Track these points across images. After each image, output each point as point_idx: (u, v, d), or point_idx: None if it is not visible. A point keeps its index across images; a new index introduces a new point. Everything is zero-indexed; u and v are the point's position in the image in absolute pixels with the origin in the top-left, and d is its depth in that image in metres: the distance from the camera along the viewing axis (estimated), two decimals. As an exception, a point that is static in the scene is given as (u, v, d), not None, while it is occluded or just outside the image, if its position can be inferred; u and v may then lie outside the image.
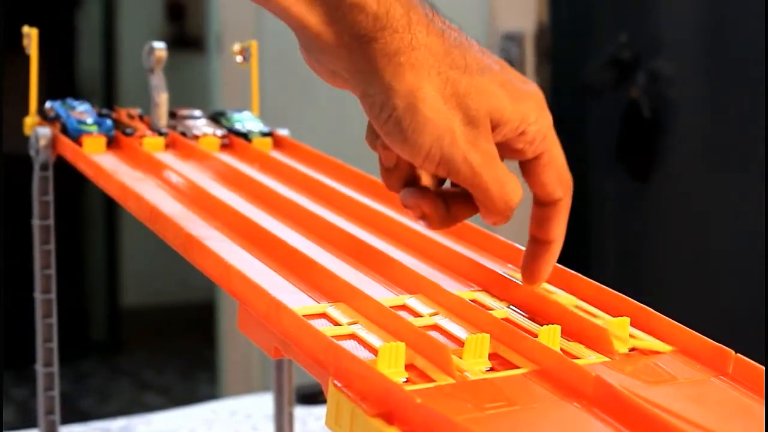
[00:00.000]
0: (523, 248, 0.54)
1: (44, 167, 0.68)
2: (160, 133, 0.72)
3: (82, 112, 0.71)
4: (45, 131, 0.68)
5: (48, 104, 0.72)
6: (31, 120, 0.71)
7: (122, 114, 0.75)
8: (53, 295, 0.69)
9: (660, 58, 1.76)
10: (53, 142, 0.68)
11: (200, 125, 0.75)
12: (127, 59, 3.58)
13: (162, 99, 0.74)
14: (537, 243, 0.50)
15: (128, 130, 0.71)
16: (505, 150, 0.48)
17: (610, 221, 1.90)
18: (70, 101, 0.72)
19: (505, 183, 0.47)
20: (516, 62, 1.80)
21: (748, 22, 1.62)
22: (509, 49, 1.80)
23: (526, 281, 0.50)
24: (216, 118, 0.77)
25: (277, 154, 0.73)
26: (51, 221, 0.69)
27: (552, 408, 0.38)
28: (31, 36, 0.71)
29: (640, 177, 1.81)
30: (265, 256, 0.53)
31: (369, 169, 0.69)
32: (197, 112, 0.77)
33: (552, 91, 1.85)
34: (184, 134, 0.73)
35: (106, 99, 3.60)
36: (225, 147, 0.74)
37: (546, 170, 0.49)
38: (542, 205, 0.49)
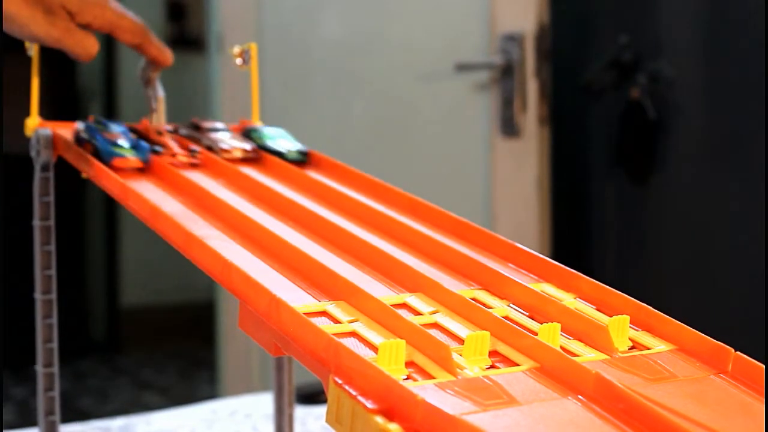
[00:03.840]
0: (524, 248, 0.54)
1: (45, 168, 0.68)
2: (191, 152, 0.69)
3: (116, 133, 0.67)
4: (46, 132, 0.68)
5: (79, 125, 0.69)
6: (32, 121, 0.71)
7: (150, 130, 0.72)
8: (53, 296, 0.69)
9: (660, 60, 1.76)
10: (53, 145, 0.68)
11: (226, 138, 0.72)
12: (127, 59, 3.58)
13: (159, 105, 0.75)
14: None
15: (157, 148, 0.68)
16: (89, 26, 0.71)
17: (610, 221, 1.91)
18: (103, 121, 0.69)
19: (84, 43, 0.71)
20: (516, 63, 1.80)
21: (748, 23, 1.62)
22: (510, 49, 1.80)
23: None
24: (248, 134, 0.74)
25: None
26: (52, 222, 0.69)
27: (552, 405, 0.38)
28: None
29: (640, 177, 1.81)
30: (266, 254, 0.53)
31: (369, 168, 0.69)
32: (220, 124, 0.74)
33: (552, 91, 1.85)
34: (210, 148, 0.71)
35: (106, 99, 3.60)
36: (250, 161, 0.71)
37: (119, 34, 0.72)
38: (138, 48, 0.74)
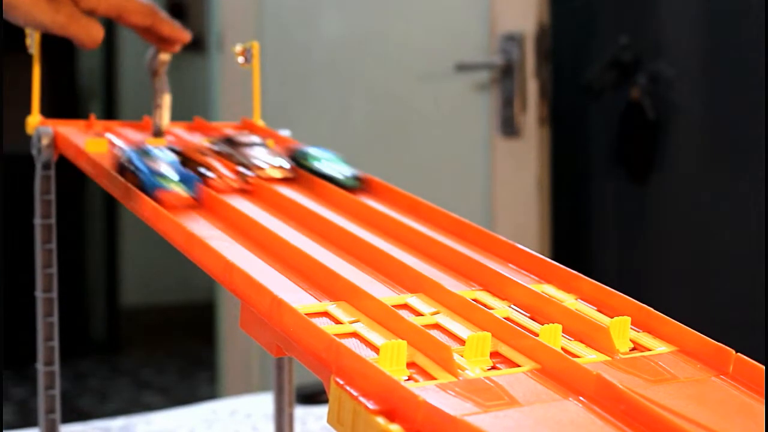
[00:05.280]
0: (524, 249, 0.54)
1: (46, 166, 0.68)
2: (241, 175, 0.63)
3: (161, 161, 0.59)
4: (47, 130, 0.68)
5: (120, 150, 0.61)
6: (33, 119, 0.71)
7: (192, 149, 0.65)
8: (54, 294, 0.69)
9: (660, 60, 1.76)
10: (54, 144, 0.68)
11: (262, 155, 0.66)
12: (127, 59, 3.58)
13: (164, 101, 0.73)
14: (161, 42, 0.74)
15: (201, 170, 0.62)
16: (94, 12, 0.70)
17: (610, 221, 1.91)
18: (147, 148, 0.61)
19: (89, 29, 0.69)
20: (516, 63, 1.80)
21: (748, 24, 1.62)
22: (510, 49, 1.80)
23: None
24: (296, 157, 0.68)
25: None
26: (53, 220, 0.69)
27: (553, 406, 0.39)
28: (34, 35, 0.71)
29: (640, 177, 1.81)
30: (267, 255, 0.53)
31: (369, 168, 0.69)
32: (256, 138, 0.69)
33: (552, 91, 1.85)
34: (244, 165, 0.65)
35: (106, 99, 3.60)
36: (289, 181, 0.66)
37: (127, 17, 0.71)
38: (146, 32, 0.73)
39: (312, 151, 0.68)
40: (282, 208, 0.61)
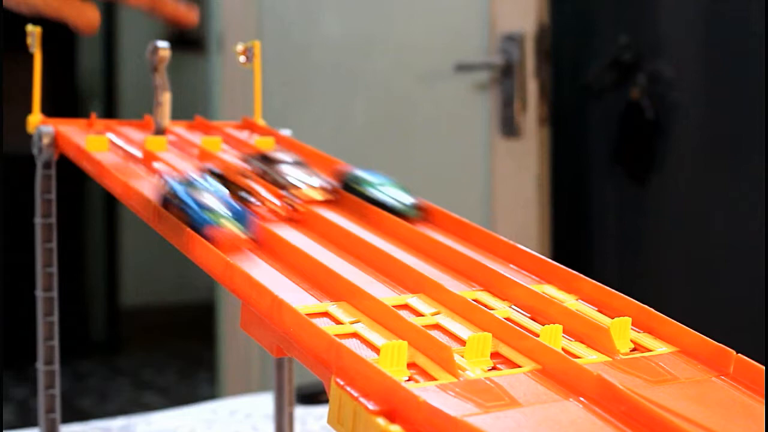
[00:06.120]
0: (525, 249, 0.54)
1: (47, 165, 0.68)
2: (287, 201, 0.59)
3: (209, 193, 0.54)
4: (47, 129, 0.68)
5: (164, 183, 0.56)
6: (34, 118, 0.71)
7: (231, 170, 0.60)
8: (54, 294, 0.69)
9: (660, 60, 1.76)
10: (55, 143, 0.68)
11: (300, 174, 0.62)
12: (127, 59, 3.58)
13: (165, 98, 0.73)
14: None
15: (242, 194, 0.57)
16: None
17: (610, 221, 1.91)
18: (191, 178, 0.56)
19: (84, 12, 0.68)
20: (516, 63, 1.80)
21: (748, 24, 1.62)
22: (510, 49, 1.80)
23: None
24: (347, 181, 0.63)
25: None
26: (53, 219, 0.69)
27: (553, 407, 0.39)
28: (35, 34, 0.71)
29: (640, 177, 1.81)
30: (268, 255, 0.53)
31: (370, 167, 0.69)
32: (291, 157, 0.64)
33: (552, 91, 1.85)
34: (277, 183, 0.61)
35: (106, 99, 3.60)
36: (333, 204, 0.62)
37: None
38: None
39: (365, 175, 0.63)
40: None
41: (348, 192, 0.62)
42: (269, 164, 0.63)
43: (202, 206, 0.53)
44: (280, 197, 0.59)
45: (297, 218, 0.58)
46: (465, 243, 0.58)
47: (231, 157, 0.68)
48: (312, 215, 0.58)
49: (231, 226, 0.52)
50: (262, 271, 0.51)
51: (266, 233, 0.54)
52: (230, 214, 0.53)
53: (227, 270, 0.49)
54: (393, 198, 0.61)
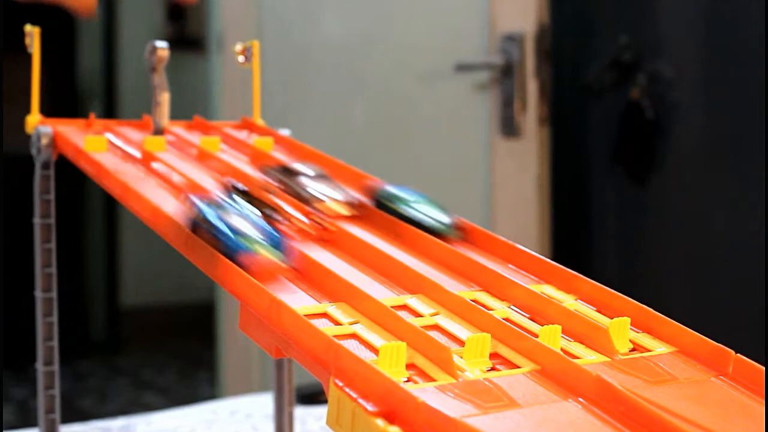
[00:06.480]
0: (524, 249, 0.54)
1: (46, 166, 0.68)
2: (316, 219, 0.56)
3: (240, 216, 0.50)
4: (46, 129, 0.68)
5: (192, 204, 0.52)
6: (33, 118, 0.71)
7: (255, 185, 0.57)
8: (54, 294, 0.69)
9: (660, 60, 1.76)
10: (54, 143, 0.68)
11: (323, 188, 0.59)
12: (127, 59, 3.58)
13: (164, 98, 0.73)
14: None
15: (267, 212, 0.54)
16: None
17: (610, 221, 1.91)
18: (220, 200, 0.52)
19: None
20: (516, 63, 1.80)
21: (748, 24, 1.62)
22: (510, 49, 1.80)
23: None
24: (380, 198, 0.60)
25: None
26: (52, 220, 0.69)
27: (553, 408, 0.38)
28: (33, 35, 0.71)
29: (640, 177, 1.81)
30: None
31: (369, 168, 0.69)
32: (314, 170, 0.61)
33: (552, 91, 1.85)
34: (299, 195, 0.59)
35: (106, 99, 3.60)
36: (360, 220, 0.59)
37: None
38: None
39: (398, 192, 0.60)
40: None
41: (380, 209, 0.59)
42: (290, 176, 0.60)
43: (235, 231, 0.49)
44: (307, 214, 0.57)
45: (327, 238, 0.56)
46: (464, 243, 0.57)
47: (250, 169, 0.66)
48: (343, 234, 0.56)
49: (267, 253, 0.49)
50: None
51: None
52: (265, 239, 0.49)
53: (226, 271, 0.49)
54: (430, 216, 0.58)
